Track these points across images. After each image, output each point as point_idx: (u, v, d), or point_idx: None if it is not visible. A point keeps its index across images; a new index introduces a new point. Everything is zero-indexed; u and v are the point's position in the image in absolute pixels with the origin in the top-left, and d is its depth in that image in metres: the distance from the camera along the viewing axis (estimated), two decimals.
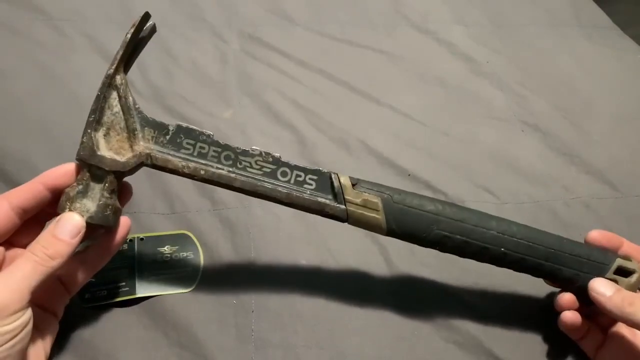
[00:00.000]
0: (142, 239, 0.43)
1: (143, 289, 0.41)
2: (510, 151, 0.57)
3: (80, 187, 0.33)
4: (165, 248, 0.43)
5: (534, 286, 0.45)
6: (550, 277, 0.39)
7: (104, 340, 0.39)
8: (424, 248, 0.38)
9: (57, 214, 0.33)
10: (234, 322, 0.41)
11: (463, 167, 0.54)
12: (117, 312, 0.40)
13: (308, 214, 0.37)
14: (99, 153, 0.33)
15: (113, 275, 0.41)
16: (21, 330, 0.29)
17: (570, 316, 0.40)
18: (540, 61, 0.68)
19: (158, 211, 0.46)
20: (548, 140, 0.58)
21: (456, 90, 0.62)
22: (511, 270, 0.39)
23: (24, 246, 0.36)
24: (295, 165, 0.37)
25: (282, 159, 0.36)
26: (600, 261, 0.39)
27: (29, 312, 0.30)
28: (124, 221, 0.36)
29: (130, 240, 0.43)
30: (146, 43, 0.37)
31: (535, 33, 0.72)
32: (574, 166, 0.56)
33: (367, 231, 0.47)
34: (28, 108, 0.51)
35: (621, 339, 0.40)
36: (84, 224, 0.32)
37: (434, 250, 0.38)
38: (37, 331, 0.32)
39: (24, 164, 0.46)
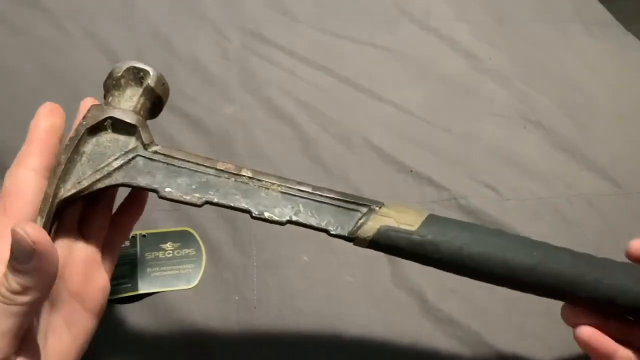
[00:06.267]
0: (144, 235, 0.43)
1: (145, 286, 0.41)
2: (512, 148, 0.56)
3: None
4: (168, 245, 0.43)
5: None
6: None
7: (106, 337, 0.39)
8: None
9: None
10: (236, 318, 0.41)
11: (465, 163, 0.54)
12: (119, 308, 0.40)
13: None
14: None
15: (115, 271, 0.41)
16: None
17: (590, 334, 0.31)
18: (542, 58, 0.67)
19: (160, 207, 0.46)
20: (550, 137, 0.58)
21: (458, 86, 0.62)
22: None
23: None
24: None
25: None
26: None
27: None
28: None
29: (133, 237, 0.43)
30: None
31: (537, 30, 0.71)
32: (576, 163, 0.56)
33: None
34: (30, 105, 0.50)
35: None
36: (43, 237, 0.25)
37: None
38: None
39: None
